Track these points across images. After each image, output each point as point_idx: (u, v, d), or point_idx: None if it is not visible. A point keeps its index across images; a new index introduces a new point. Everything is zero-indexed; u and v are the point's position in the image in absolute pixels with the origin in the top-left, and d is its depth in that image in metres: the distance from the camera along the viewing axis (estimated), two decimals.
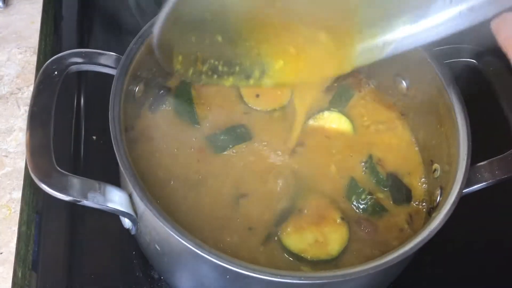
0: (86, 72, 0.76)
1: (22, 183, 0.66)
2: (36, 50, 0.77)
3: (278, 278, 0.38)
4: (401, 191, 0.58)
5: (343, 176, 0.58)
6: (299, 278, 0.38)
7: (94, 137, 0.71)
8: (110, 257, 0.64)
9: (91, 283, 0.61)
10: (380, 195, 0.57)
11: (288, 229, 0.53)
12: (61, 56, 0.49)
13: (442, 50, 0.56)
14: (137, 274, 0.62)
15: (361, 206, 0.55)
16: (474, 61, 0.56)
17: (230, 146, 0.57)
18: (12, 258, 0.61)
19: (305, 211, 0.54)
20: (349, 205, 0.55)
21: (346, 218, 0.54)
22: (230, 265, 0.39)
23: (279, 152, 0.58)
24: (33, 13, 0.81)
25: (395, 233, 0.55)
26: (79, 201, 0.44)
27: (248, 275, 0.39)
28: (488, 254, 0.62)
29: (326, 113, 0.62)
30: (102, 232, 0.65)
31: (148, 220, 0.45)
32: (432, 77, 0.55)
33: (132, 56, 0.49)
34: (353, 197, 0.56)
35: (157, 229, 0.45)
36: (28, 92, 0.74)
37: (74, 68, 0.50)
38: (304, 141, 0.60)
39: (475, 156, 0.50)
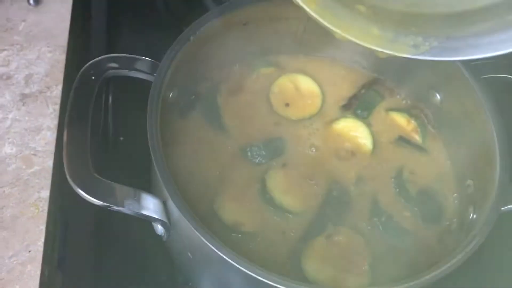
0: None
1: (50, 182, 0.67)
2: (65, 49, 0.78)
3: None
4: (431, 210, 0.57)
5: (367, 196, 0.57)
6: None
7: (122, 138, 0.72)
8: (135, 259, 0.65)
9: (115, 285, 0.62)
10: (407, 214, 0.57)
11: (311, 253, 0.53)
12: (98, 61, 0.50)
13: (479, 64, 0.56)
14: (162, 278, 0.62)
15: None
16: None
17: (266, 160, 0.58)
18: (40, 256, 0.62)
19: (336, 238, 0.54)
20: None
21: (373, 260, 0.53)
22: (263, 278, 0.39)
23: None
24: (63, 12, 0.82)
25: (424, 253, 0.55)
26: (115, 208, 0.44)
27: None
28: None
29: (350, 120, 0.63)
30: (128, 234, 0.65)
31: (182, 228, 0.46)
32: (467, 92, 0.55)
33: (169, 64, 0.49)
34: (374, 220, 0.56)
35: (191, 237, 0.45)
36: (57, 91, 0.75)
37: (111, 73, 0.50)
38: (325, 150, 0.60)
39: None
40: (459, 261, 0.43)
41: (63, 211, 0.67)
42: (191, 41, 0.51)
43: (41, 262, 0.62)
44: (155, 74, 0.51)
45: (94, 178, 0.44)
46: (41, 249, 0.62)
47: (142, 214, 0.45)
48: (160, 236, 0.51)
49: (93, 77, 0.48)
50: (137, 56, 0.52)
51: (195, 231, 0.41)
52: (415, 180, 0.59)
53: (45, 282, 0.61)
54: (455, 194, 0.58)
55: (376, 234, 0.55)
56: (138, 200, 0.45)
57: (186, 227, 0.44)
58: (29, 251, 0.62)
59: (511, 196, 0.48)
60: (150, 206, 0.46)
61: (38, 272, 0.61)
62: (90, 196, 0.43)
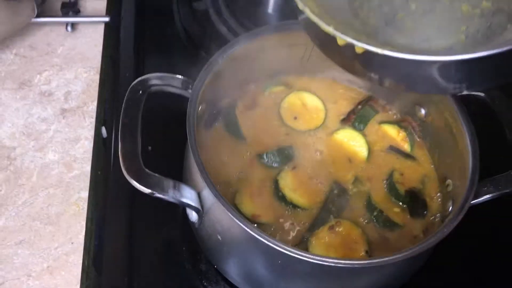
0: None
1: (89, 184, 0.76)
2: (99, 70, 0.88)
3: (325, 262, 0.48)
4: (417, 206, 0.66)
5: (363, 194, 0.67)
6: (336, 263, 0.48)
7: (150, 147, 0.81)
8: (162, 252, 0.72)
9: (145, 275, 0.69)
10: (397, 210, 0.66)
11: (315, 241, 0.61)
12: (145, 78, 0.60)
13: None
14: (187, 267, 0.70)
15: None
16: (483, 94, 0.66)
17: (279, 165, 0.67)
18: (81, 248, 0.70)
19: (337, 229, 0.63)
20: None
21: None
22: (285, 250, 0.49)
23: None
24: (96, 37, 0.91)
25: (411, 241, 0.64)
26: (161, 196, 0.54)
27: (298, 259, 0.49)
28: (497, 258, 0.71)
29: (349, 131, 0.72)
30: (156, 231, 0.73)
31: (214, 213, 0.55)
32: (447, 107, 0.64)
33: (203, 81, 0.59)
34: (368, 214, 0.64)
35: (221, 220, 0.54)
36: (92, 106, 0.84)
37: (154, 88, 0.60)
38: (328, 155, 0.69)
39: (483, 173, 0.60)
40: (433, 241, 0.53)
41: (99, 210, 0.75)
42: (220, 63, 0.62)
43: (82, 252, 0.70)
44: (188, 90, 0.61)
45: (144, 171, 0.54)
46: (82, 241, 0.70)
47: (182, 201, 0.54)
48: (193, 223, 0.60)
49: (140, 92, 0.58)
50: (173, 75, 0.62)
51: (228, 213, 0.51)
52: (403, 181, 0.68)
53: (85, 270, 0.69)
54: (438, 194, 0.68)
55: (371, 226, 0.64)
56: (178, 189, 0.55)
57: (219, 212, 0.54)
58: (72, 243, 0.71)
59: (479, 192, 0.58)
60: (188, 195, 0.55)
61: (80, 261, 0.69)
62: (141, 185, 0.53)
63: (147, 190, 0.52)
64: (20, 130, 0.79)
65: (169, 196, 0.53)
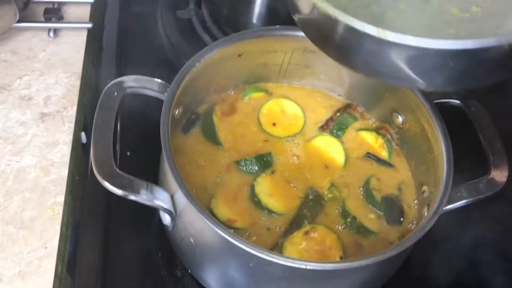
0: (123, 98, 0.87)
1: (65, 189, 0.75)
2: (80, 76, 0.87)
3: (296, 265, 0.48)
4: (394, 213, 0.66)
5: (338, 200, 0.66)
6: (306, 265, 0.48)
7: (128, 153, 0.81)
8: (138, 258, 0.71)
9: (120, 282, 0.68)
10: (372, 216, 0.66)
11: (290, 247, 0.61)
12: (120, 81, 0.60)
13: (432, 92, 0.68)
14: (162, 273, 0.69)
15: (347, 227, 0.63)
16: (459, 102, 0.67)
17: (257, 171, 0.67)
18: (55, 253, 0.68)
19: (312, 234, 0.62)
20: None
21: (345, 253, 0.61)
22: (255, 251, 0.48)
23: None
24: (78, 43, 0.91)
25: (386, 247, 0.64)
26: (133, 197, 0.53)
27: (269, 261, 0.49)
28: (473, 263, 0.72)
29: (327, 137, 0.72)
30: (132, 237, 0.72)
31: (187, 216, 0.55)
32: (422, 114, 0.65)
33: (178, 84, 0.60)
34: (342, 220, 0.64)
35: (194, 223, 0.54)
36: (72, 111, 0.83)
37: (129, 90, 0.60)
38: (305, 161, 0.69)
39: (458, 178, 0.60)
40: (405, 245, 0.52)
41: (74, 215, 0.74)
42: (196, 67, 0.62)
43: (55, 257, 0.69)
44: (165, 93, 0.61)
45: (116, 172, 0.53)
46: (56, 246, 0.68)
47: (154, 203, 0.54)
48: (166, 227, 0.60)
49: (115, 93, 0.58)
50: (150, 78, 0.62)
51: (200, 214, 0.50)
52: (380, 188, 0.68)
53: (58, 275, 0.68)
54: (416, 201, 0.68)
55: (346, 232, 0.64)
56: (151, 191, 0.54)
57: (191, 214, 0.53)
58: (46, 248, 0.69)
59: (453, 197, 0.58)
60: (160, 197, 0.55)
61: (53, 266, 0.67)
62: (113, 186, 0.52)
63: (119, 191, 0.52)
64: None
65: (142, 197, 0.53)
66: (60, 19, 0.91)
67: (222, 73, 0.69)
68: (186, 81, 0.61)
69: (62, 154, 0.78)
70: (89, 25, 0.90)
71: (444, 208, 0.56)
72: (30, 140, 0.78)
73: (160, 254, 0.71)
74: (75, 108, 0.82)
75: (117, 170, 0.53)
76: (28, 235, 0.69)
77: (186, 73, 0.60)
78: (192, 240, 0.56)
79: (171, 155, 0.53)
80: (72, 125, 0.80)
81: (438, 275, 0.71)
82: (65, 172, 0.75)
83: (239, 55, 0.68)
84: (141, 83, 0.60)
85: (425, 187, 0.65)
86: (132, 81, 0.60)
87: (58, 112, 0.82)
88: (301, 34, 0.68)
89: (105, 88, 0.58)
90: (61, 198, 0.73)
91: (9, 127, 0.80)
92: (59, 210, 0.72)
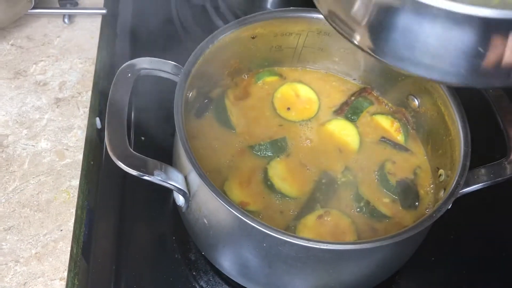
0: (137, 83, 0.87)
1: (80, 173, 0.76)
2: (94, 61, 0.88)
3: (311, 244, 0.48)
4: (409, 197, 0.65)
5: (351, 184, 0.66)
6: (324, 244, 0.47)
7: (143, 138, 0.81)
8: (152, 242, 0.72)
9: (134, 264, 0.69)
10: (386, 200, 0.65)
11: (303, 230, 0.60)
12: (134, 62, 0.60)
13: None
14: (176, 256, 0.70)
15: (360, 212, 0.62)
16: None
17: (272, 155, 0.67)
18: (70, 235, 0.69)
19: (326, 218, 0.62)
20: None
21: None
22: (269, 231, 0.48)
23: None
24: (93, 29, 0.92)
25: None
26: (147, 177, 0.53)
27: (283, 241, 0.48)
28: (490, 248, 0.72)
29: (341, 121, 0.71)
30: (146, 221, 0.73)
31: (200, 196, 0.55)
32: (440, 96, 0.64)
33: (191, 66, 0.59)
34: (355, 204, 0.64)
35: (208, 203, 0.54)
36: (86, 96, 0.84)
37: (143, 72, 0.60)
38: (319, 145, 0.69)
39: (475, 162, 0.59)
40: (420, 227, 0.52)
41: (89, 199, 0.75)
42: (209, 49, 0.62)
43: (71, 240, 0.70)
44: (179, 75, 0.61)
45: (130, 152, 0.53)
46: (71, 229, 0.69)
47: (168, 183, 0.54)
48: (180, 208, 0.60)
49: (129, 74, 0.58)
50: (163, 60, 0.62)
51: (214, 194, 0.50)
52: (395, 172, 0.67)
53: (73, 257, 0.69)
54: (432, 185, 0.67)
55: (360, 216, 0.63)
56: (165, 171, 0.54)
57: (205, 194, 0.53)
58: (61, 230, 0.70)
59: (470, 180, 0.57)
60: (174, 178, 0.55)
61: (69, 248, 0.68)
62: (126, 166, 0.52)
63: (133, 171, 0.52)
64: (13, 118, 0.79)
65: (155, 178, 0.53)
66: (75, 5, 0.91)
67: (236, 56, 0.69)
68: (199, 63, 0.60)
69: (76, 138, 0.78)
70: (104, 11, 0.91)
71: (461, 191, 0.55)
72: (46, 125, 0.79)
73: (174, 238, 0.72)
74: (89, 93, 0.83)
75: (131, 150, 0.53)
76: (44, 217, 0.70)
77: (200, 54, 0.60)
78: (205, 221, 0.56)
79: (185, 135, 0.53)
80: (87, 110, 0.81)
81: (454, 261, 0.71)
82: (79, 156, 0.76)
83: (253, 38, 0.67)
84: (154, 65, 0.60)
85: (441, 171, 0.64)
86: (145, 63, 0.60)
87: (73, 97, 0.82)
88: (316, 15, 0.67)
89: (119, 70, 0.59)
90: (76, 182, 0.74)
91: (25, 112, 0.80)
92: (74, 193, 0.73)
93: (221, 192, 0.51)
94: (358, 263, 0.54)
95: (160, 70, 0.60)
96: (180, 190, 0.55)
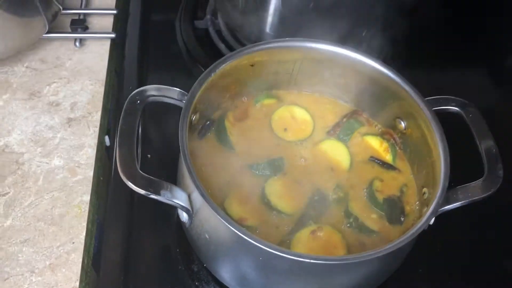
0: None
1: (90, 189, 0.81)
2: (104, 83, 0.92)
3: (302, 259, 0.53)
4: (395, 213, 0.70)
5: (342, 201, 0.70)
6: (314, 259, 0.52)
7: (149, 156, 0.85)
8: (158, 254, 0.76)
9: (141, 275, 0.73)
10: (374, 216, 0.69)
11: (297, 244, 0.65)
12: (143, 90, 0.65)
13: (432, 99, 0.72)
14: (180, 267, 0.74)
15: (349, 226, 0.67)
16: (458, 109, 0.71)
17: (269, 175, 0.71)
18: (81, 247, 0.73)
19: (318, 233, 0.66)
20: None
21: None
22: (264, 246, 0.53)
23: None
24: (102, 52, 0.96)
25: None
26: (153, 196, 0.59)
27: (276, 255, 0.54)
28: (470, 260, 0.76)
29: (333, 142, 0.75)
30: (152, 235, 0.77)
31: (202, 214, 0.60)
32: (423, 119, 0.69)
33: (196, 92, 0.65)
34: (345, 220, 0.68)
35: (209, 220, 0.59)
36: (96, 116, 0.88)
37: (151, 99, 0.65)
38: (312, 163, 0.73)
39: (456, 182, 0.64)
40: (404, 241, 0.57)
41: (99, 213, 0.79)
42: (211, 77, 0.67)
43: (82, 252, 0.74)
44: (183, 101, 0.66)
45: (139, 174, 0.58)
46: (82, 241, 0.73)
47: (173, 201, 0.59)
48: (184, 224, 0.65)
49: (138, 101, 0.64)
50: (169, 87, 0.67)
51: (214, 212, 0.55)
52: (383, 190, 0.71)
53: (85, 268, 0.73)
54: (417, 202, 0.72)
55: (350, 232, 0.68)
56: (170, 191, 0.60)
57: (207, 212, 0.58)
58: (73, 243, 0.74)
59: (450, 199, 0.62)
60: (178, 196, 0.60)
61: (80, 260, 0.72)
62: (136, 186, 0.57)
63: (141, 191, 0.57)
64: (28, 137, 0.84)
65: (162, 197, 0.58)
66: (85, 29, 0.96)
67: (236, 82, 0.74)
68: (202, 90, 0.66)
69: (87, 156, 0.83)
70: (113, 35, 0.96)
71: (441, 209, 0.60)
72: (58, 143, 0.84)
73: (178, 250, 0.76)
74: (99, 113, 0.87)
75: (140, 171, 0.59)
76: (57, 231, 0.75)
77: (203, 82, 0.65)
78: (207, 236, 0.61)
79: (188, 158, 0.58)
80: (97, 129, 0.85)
81: (440, 273, 0.75)
82: (90, 173, 0.80)
83: (252, 65, 0.72)
84: (161, 92, 0.65)
85: (425, 189, 0.68)
86: (153, 90, 0.65)
87: (83, 117, 0.87)
88: (310, 45, 0.73)
89: (129, 96, 0.64)
90: (87, 197, 0.78)
91: (39, 131, 0.85)
92: (85, 208, 0.77)
93: (221, 210, 0.56)
94: (346, 275, 0.60)
95: (166, 97, 0.66)
96: (184, 208, 0.60)
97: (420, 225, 0.57)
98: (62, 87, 0.91)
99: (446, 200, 0.60)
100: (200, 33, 1.00)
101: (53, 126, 0.85)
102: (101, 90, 0.90)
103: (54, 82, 0.90)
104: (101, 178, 0.84)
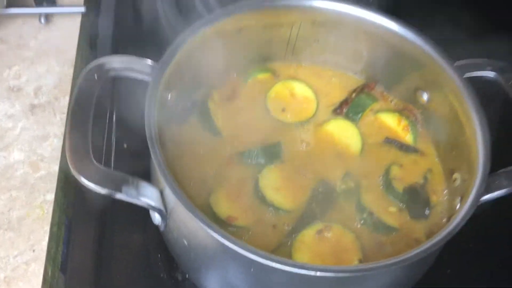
0: (119, 83, 0.81)
1: (55, 185, 0.70)
2: (73, 63, 0.82)
3: (302, 271, 0.40)
4: (418, 205, 0.59)
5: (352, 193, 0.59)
6: (321, 271, 0.40)
7: (125, 145, 0.75)
8: (135, 260, 0.67)
9: (116, 284, 0.64)
10: (393, 210, 0.58)
11: (300, 247, 0.54)
12: (101, 63, 0.53)
13: (463, 64, 0.59)
14: (162, 275, 0.64)
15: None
16: (495, 75, 0.58)
17: (265, 163, 0.60)
18: (43, 256, 0.63)
19: (326, 234, 0.56)
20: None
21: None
22: (254, 256, 0.41)
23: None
24: (72, 30, 0.86)
25: (411, 245, 0.55)
26: (113, 194, 0.46)
27: (272, 267, 0.41)
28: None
29: (341, 121, 0.65)
30: (129, 237, 0.68)
31: (177, 214, 0.48)
32: (452, 90, 0.57)
33: (167, 63, 0.52)
34: (357, 216, 0.57)
35: (186, 223, 0.47)
36: (64, 101, 0.78)
37: (112, 73, 0.53)
38: (315, 149, 0.62)
39: (494, 165, 0.52)
40: (435, 244, 0.44)
41: (67, 214, 0.69)
42: (188, 43, 0.54)
43: (44, 261, 0.63)
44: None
45: (94, 166, 0.47)
46: (45, 248, 0.64)
47: (140, 200, 0.47)
48: (157, 227, 0.53)
49: (96, 76, 0.52)
50: (137, 58, 0.55)
51: (190, 214, 0.43)
52: (402, 177, 0.60)
53: (48, 280, 0.63)
54: (445, 190, 0.60)
55: (364, 230, 0.56)
56: (136, 187, 0.48)
57: (182, 213, 0.46)
58: (33, 251, 0.64)
59: (491, 186, 0.50)
60: (147, 194, 0.48)
61: (42, 271, 0.62)
62: (89, 182, 0.46)
63: (97, 188, 0.45)
64: None
65: (124, 195, 0.46)
66: (52, 3, 0.86)
67: (221, 53, 0.62)
68: (177, 59, 0.54)
69: (52, 148, 0.73)
70: (82, 9, 0.86)
71: (482, 199, 0.48)
72: (19, 134, 0.74)
73: (159, 255, 0.66)
74: (67, 98, 0.78)
75: (96, 163, 0.47)
76: (15, 237, 0.65)
77: (176, 49, 0.53)
78: (185, 242, 0.49)
79: (156, 145, 0.46)
80: (64, 116, 0.75)
81: (472, 274, 0.64)
82: (55, 167, 0.71)
83: (239, 31, 0.60)
84: (126, 64, 0.53)
85: (456, 175, 0.57)
86: (116, 62, 0.53)
87: (49, 103, 0.78)
88: (309, 3, 0.60)
89: (83, 71, 0.52)
90: (51, 196, 0.69)
91: None
92: (48, 209, 0.68)
93: (198, 210, 0.44)
94: (362, 286, 0.47)
95: (133, 70, 0.53)
96: (154, 208, 0.48)
97: (457, 221, 0.45)
98: (25, 69, 0.80)
99: (487, 187, 0.48)
100: (184, 4, 0.88)
101: (13, 114, 0.75)
102: (70, 72, 0.80)
103: (16, 65, 0.80)
104: (70, 173, 0.73)
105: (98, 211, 0.69)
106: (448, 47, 0.60)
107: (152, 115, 0.48)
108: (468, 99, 0.55)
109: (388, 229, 0.56)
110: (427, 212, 0.58)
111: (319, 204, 0.57)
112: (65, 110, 0.77)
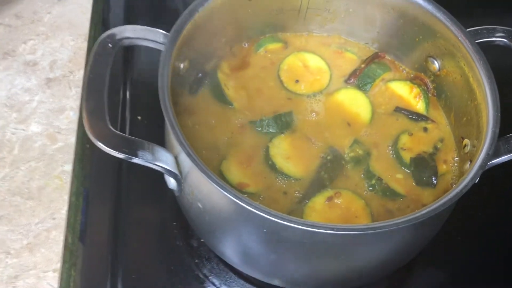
0: (133, 56, 0.82)
1: (73, 157, 0.71)
2: (87, 37, 0.82)
3: (316, 229, 0.41)
4: (425, 174, 0.59)
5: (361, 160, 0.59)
6: (332, 229, 0.41)
7: (139, 117, 0.76)
8: (152, 229, 0.68)
9: (133, 253, 0.65)
10: (400, 176, 0.59)
11: (311, 213, 0.55)
12: (115, 31, 0.53)
13: (474, 30, 0.59)
14: (178, 243, 0.66)
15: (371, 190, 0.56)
16: (506, 41, 0.58)
17: (275, 132, 0.60)
18: (63, 224, 0.65)
19: (336, 200, 0.56)
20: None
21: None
22: (268, 215, 0.42)
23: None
24: (85, 4, 0.86)
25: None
26: (130, 158, 0.48)
27: (285, 226, 0.42)
28: None
29: (351, 91, 0.65)
30: (145, 207, 0.69)
31: (192, 178, 0.49)
32: (463, 55, 0.56)
33: (179, 31, 0.53)
34: (365, 182, 0.57)
35: (201, 186, 0.48)
36: (79, 75, 0.79)
37: (126, 42, 0.54)
38: (324, 118, 0.62)
39: (504, 130, 0.52)
40: (441, 206, 0.45)
41: (84, 185, 0.71)
42: (199, 12, 0.55)
43: (64, 229, 0.65)
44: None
45: (111, 131, 0.48)
46: (64, 217, 0.65)
47: (155, 164, 0.48)
48: (173, 196, 0.54)
49: (110, 45, 0.52)
50: (149, 27, 0.55)
51: (206, 176, 0.44)
52: (412, 146, 0.60)
53: (68, 247, 0.65)
54: (456, 158, 0.60)
55: (374, 197, 0.57)
56: (151, 152, 0.49)
57: (197, 177, 0.47)
58: (54, 219, 0.66)
59: (500, 150, 0.50)
60: (162, 158, 0.49)
61: (62, 238, 0.64)
62: (107, 147, 0.47)
63: (114, 152, 0.46)
64: (2, 101, 0.75)
65: (140, 159, 0.47)
66: None
67: (232, 22, 0.62)
68: (189, 29, 0.54)
69: (69, 120, 0.74)
70: None
71: (491, 162, 0.48)
72: (36, 107, 0.75)
73: (174, 223, 0.67)
74: (82, 72, 0.78)
75: (112, 129, 0.48)
76: (36, 206, 0.66)
77: (188, 19, 0.54)
78: (200, 205, 0.50)
79: (171, 110, 0.47)
80: (79, 89, 0.76)
81: (483, 240, 0.64)
82: (72, 139, 0.72)
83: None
84: (139, 34, 0.54)
85: (466, 141, 0.57)
86: (129, 32, 0.54)
87: (64, 77, 0.78)
88: None
89: (98, 40, 0.53)
90: (68, 167, 0.69)
91: (14, 94, 0.76)
92: (66, 179, 0.69)
93: (213, 174, 0.44)
94: (371, 248, 0.48)
95: (146, 39, 0.54)
96: (170, 172, 0.49)
97: (465, 182, 0.45)
98: (40, 44, 0.81)
99: (496, 151, 0.48)
100: None
101: (30, 88, 0.76)
102: (84, 45, 0.80)
103: (31, 39, 0.81)
104: (87, 145, 0.75)
105: (114, 183, 0.70)
106: (459, 15, 0.59)
107: (165, 81, 0.49)
108: (479, 64, 0.55)
109: (396, 195, 0.57)
110: (434, 181, 0.58)
111: (328, 171, 0.58)
112: (80, 84, 0.78)
